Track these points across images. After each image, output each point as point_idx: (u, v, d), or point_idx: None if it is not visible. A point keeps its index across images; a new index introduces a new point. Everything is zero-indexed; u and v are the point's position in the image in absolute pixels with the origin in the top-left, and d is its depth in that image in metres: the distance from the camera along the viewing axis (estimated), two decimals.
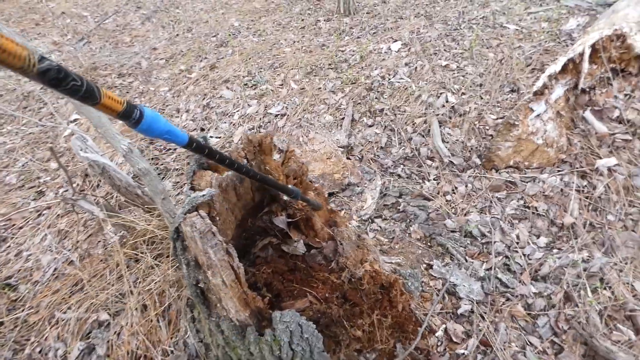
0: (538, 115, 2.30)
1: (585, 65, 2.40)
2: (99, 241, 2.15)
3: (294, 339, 1.24)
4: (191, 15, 5.37)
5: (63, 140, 3.04)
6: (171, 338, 1.64)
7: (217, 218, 1.29)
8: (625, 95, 2.46)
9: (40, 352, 1.75)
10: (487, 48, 3.59)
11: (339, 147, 2.71)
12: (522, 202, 2.16)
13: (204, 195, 1.05)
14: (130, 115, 0.66)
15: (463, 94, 3.01)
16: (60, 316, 1.82)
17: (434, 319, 1.64)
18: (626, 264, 1.79)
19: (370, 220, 2.19)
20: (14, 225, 2.43)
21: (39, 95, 3.73)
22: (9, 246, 2.32)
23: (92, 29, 5.06)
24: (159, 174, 2.71)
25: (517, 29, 3.84)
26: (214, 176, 1.27)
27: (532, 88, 2.42)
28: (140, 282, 1.83)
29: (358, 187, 2.42)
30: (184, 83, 3.91)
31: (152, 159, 2.87)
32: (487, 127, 2.65)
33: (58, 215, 2.38)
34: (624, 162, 2.20)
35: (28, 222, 2.41)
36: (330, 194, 2.40)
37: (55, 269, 2.06)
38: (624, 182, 2.11)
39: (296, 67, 3.84)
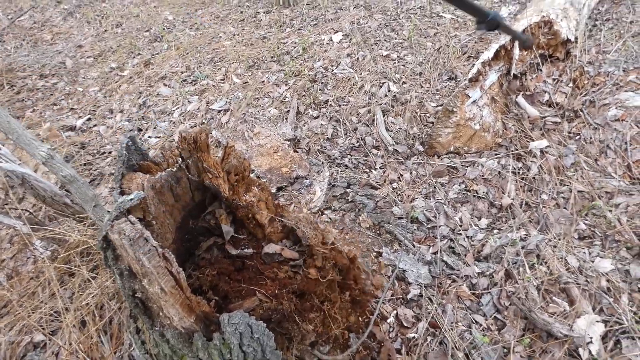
0: (474, 101, 2.40)
1: (516, 52, 2.53)
2: (28, 257, 1.96)
3: (244, 340, 1.20)
4: (119, 9, 5.04)
5: None
6: (115, 353, 1.53)
7: (154, 222, 1.21)
8: (554, 79, 2.63)
9: None
10: (425, 37, 3.69)
11: (285, 140, 2.67)
12: (463, 186, 2.25)
13: (131, 199, 0.97)
14: None
15: (404, 82, 3.08)
16: None
17: (385, 306, 1.66)
18: (559, 239, 1.90)
19: (320, 212, 2.18)
20: None
21: None
22: None
23: (5, 27, 4.58)
24: (93, 179, 2.52)
25: (452, 18, 3.98)
26: (145, 178, 1.19)
27: (468, 75, 2.52)
28: (76, 297, 1.68)
29: (306, 179, 2.41)
30: (117, 81, 3.66)
31: (85, 164, 2.66)
32: (428, 115, 2.73)
33: None
34: (555, 143, 2.35)
35: None
36: (279, 189, 2.36)
37: None
38: (555, 163, 2.25)
39: (237, 61, 3.73)
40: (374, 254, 1.90)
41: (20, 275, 1.90)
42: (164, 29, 4.50)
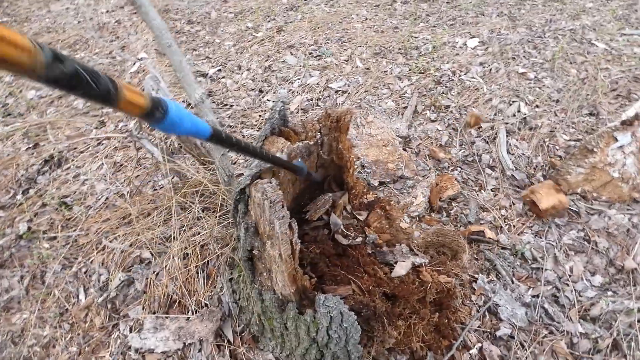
0: (621, 147, 2.12)
1: None
2: (150, 181, 2.20)
3: (333, 325, 1.22)
4: None
5: (129, 76, 3.09)
6: (207, 292, 1.66)
7: (278, 187, 1.27)
8: None
9: (85, 272, 1.83)
10: (571, 63, 3.33)
11: (397, 136, 2.62)
12: (582, 233, 2.03)
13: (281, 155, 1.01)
14: (154, 114, 0.58)
15: (537, 106, 2.82)
16: (107, 244, 1.89)
17: (470, 335, 1.58)
18: None
19: (418, 219, 2.12)
20: (75, 148, 2.52)
21: (112, 28, 3.80)
22: (68, 167, 2.41)
23: None
24: None
25: (606, 49, 3.53)
26: (286, 144, 1.24)
27: (620, 116, 2.22)
28: (185, 230, 1.86)
29: (410, 181, 2.34)
30: (249, 41, 3.87)
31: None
32: (557, 147, 2.48)
33: (115, 147, 2.45)
34: None
35: (88, 148, 2.50)
36: (381, 183, 2.33)
37: (107, 198, 2.14)
38: None
39: (364, 45, 3.71)
40: (467, 277, 1.80)
41: (141, 195, 2.15)
42: None
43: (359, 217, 1.51)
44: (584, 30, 3.86)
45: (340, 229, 1.46)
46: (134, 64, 3.24)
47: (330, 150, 1.37)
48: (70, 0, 4.60)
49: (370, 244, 1.47)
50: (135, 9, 1.19)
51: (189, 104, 2.58)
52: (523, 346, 1.56)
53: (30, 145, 2.61)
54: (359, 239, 1.39)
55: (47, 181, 2.41)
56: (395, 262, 1.43)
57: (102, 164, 2.35)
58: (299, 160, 1.32)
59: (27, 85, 3.19)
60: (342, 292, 1.34)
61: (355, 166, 1.58)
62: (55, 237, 2.01)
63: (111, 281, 1.74)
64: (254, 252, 1.18)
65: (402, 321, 1.39)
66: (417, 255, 1.47)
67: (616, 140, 2.12)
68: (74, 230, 2.01)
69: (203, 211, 1.86)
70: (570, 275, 1.86)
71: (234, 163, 2.45)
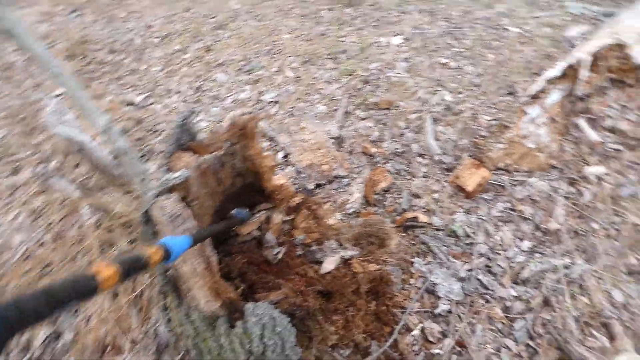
0: (532, 119, 2.27)
1: (584, 73, 2.36)
2: (74, 222, 2.09)
3: (266, 332, 1.20)
4: None
5: (45, 115, 2.95)
6: (142, 326, 1.59)
7: (194, 202, 1.25)
8: (621, 105, 2.44)
9: None
10: (488, 49, 3.55)
11: (329, 138, 2.67)
12: (508, 204, 2.14)
13: (176, 177, 1.00)
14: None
15: (460, 93, 2.97)
16: None
17: (412, 317, 1.61)
18: (606, 272, 1.78)
19: (355, 214, 2.15)
20: None
21: (22, 66, 3.63)
22: None
23: (86, 1, 4.92)
24: (143, 155, 2.64)
25: (519, 32, 3.80)
26: (193, 158, 1.22)
27: (530, 91, 2.38)
28: None
29: (345, 179, 2.39)
30: (178, 63, 3.82)
31: (138, 139, 2.80)
32: (480, 128, 2.61)
33: (34, 193, 2.30)
34: (613, 171, 2.19)
35: (1, 198, 2.33)
36: (317, 185, 2.36)
37: (26, 249, 2.00)
38: (611, 191, 2.10)
39: (294, 55, 3.77)
40: (405, 262, 1.85)
41: (64, 239, 2.03)
42: (228, 17, 4.63)
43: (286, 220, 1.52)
44: (498, 17, 4.13)
45: (271, 245, 1.45)
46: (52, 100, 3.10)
47: (242, 158, 1.37)
48: None
49: (299, 245, 1.48)
50: (8, 38, 1.14)
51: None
52: (461, 318, 1.61)
53: None
54: (281, 252, 1.39)
55: None
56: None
57: (19, 213, 2.20)
58: (237, 210, 1.40)
59: None
60: (275, 297, 1.33)
61: (276, 168, 1.59)
62: None
63: (34, 340, 1.61)
64: (170, 273, 1.15)
65: (339, 315, 1.40)
66: (347, 248, 1.49)
67: (526, 113, 2.27)
68: None
69: (132, 243, 1.78)
70: (501, 245, 1.95)
71: None
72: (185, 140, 1.30)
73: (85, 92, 1.35)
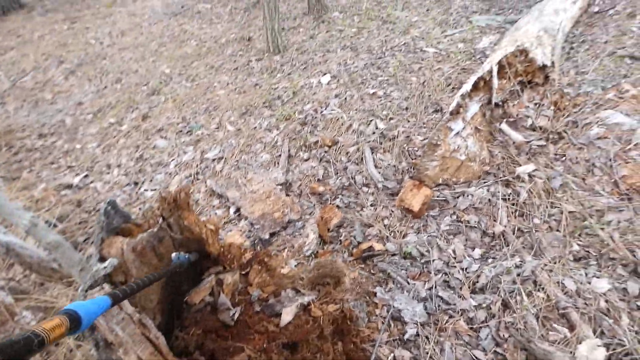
0: (457, 133, 2.43)
1: (495, 81, 2.60)
2: (12, 327, 1.94)
3: None
4: (120, 66, 5.27)
5: None
6: None
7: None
8: (536, 104, 2.68)
9: None
10: (410, 73, 3.80)
11: (277, 184, 2.70)
12: (454, 217, 2.24)
13: (105, 266, 0.98)
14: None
15: (391, 119, 3.14)
16: None
17: (382, 349, 1.62)
18: (555, 263, 1.88)
19: (313, 256, 2.17)
20: None
21: None
22: None
23: (7, 89, 4.80)
24: (87, 238, 2.54)
25: (436, 52, 4.11)
26: (125, 241, 1.20)
27: (449, 108, 2.57)
28: None
29: (299, 222, 2.41)
30: (115, 136, 3.77)
31: (80, 222, 2.70)
32: (415, 149, 2.76)
33: None
34: (542, 166, 2.36)
35: None
36: (272, 234, 2.36)
37: None
38: (543, 186, 2.25)
39: (231, 109, 3.84)
40: (368, 294, 1.87)
41: None
42: (161, 82, 4.67)
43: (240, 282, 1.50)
44: (414, 41, 4.46)
45: (227, 307, 1.43)
46: None
47: (180, 230, 1.36)
48: None
49: (256, 302, 1.46)
50: None
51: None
52: (429, 339, 1.63)
53: None
54: (237, 312, 1.37)
55: None
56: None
57: None
58: (175, 255, 1.33)
59: None
60: None
61: (228, 224, 1.58)
62: None
63: None
64: None
65: None
66: (304, 294, 1.49)
67: (451, 129, 2.43)
68: None
69: (78, 339, 1.68)
70: (455, 257, 2.02)
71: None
72: (118, 223, 1.28)
73: (1, 193, 1.31)
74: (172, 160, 3.32)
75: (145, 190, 3.02)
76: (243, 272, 1.54)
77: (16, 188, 3.01)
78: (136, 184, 3.12)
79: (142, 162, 3.37)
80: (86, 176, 3.23)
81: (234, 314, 1.38)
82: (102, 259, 1.18)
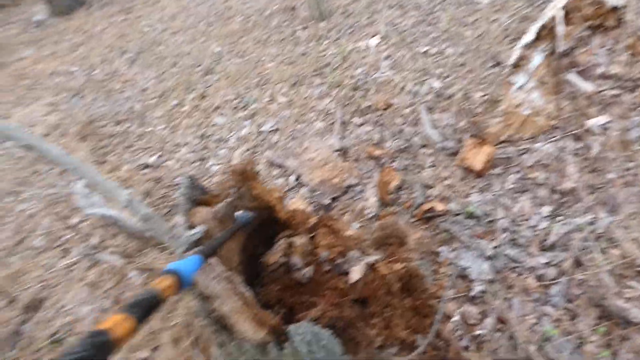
0: (520, 87, 2.31)
1: (561, 28, 2.39)
2: (126, 285, 2.26)
3: (313, 347, 1.30)
4: (174, 50, 5.51)
5: (76, 200, 3.18)
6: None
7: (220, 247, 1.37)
8: (607, 50, 2.44)
9: None
10: (464, 26, 3.60)
11: (333, 151, 2.77)
12: (520, 174, 2.18)
13: (195, 233, 1.12)
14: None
15: (446, 76, 3.03)
16: None
17: (449, 305, 1.68)
18: (632, 219, 1.78)
19: (374, 218, 2.24)
20: (49, 285, 2.57)
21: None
22: (48, 306, 2.46)
23: (83, 83, 5.25)
24: (169, 211, 2.81)
25: (491, 2, 3.83)
26: (207, 210, 1.35)
27: (510, 61, 2.43)
28: (167, 318, 1.92)
29: (358, 187, 2.48)
30: (178, 117, 4.02)
31: (161, 197, 2.98)
32: (475, 106, 2.67)
33: (87, 267, 2.51)
34: (616, 117, 2.19)
35: (61, 280, 2.55)
36: (333, 199, 2.46)
37: (94, 318, 2.19)
38: (619, 138, 2.10)
39: (281, 81, 3.91)
40: (432, 253, 1.92)
41: (123, 302, 2.20)
42: (213, 61, 4.84)
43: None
44: None
45: (299, 267, 1.56)
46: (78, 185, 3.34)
47: (250, 199, 1.49)
48: None
49: (325, 262, 1.58)
50: (30, 151, 1.30)
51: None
52: (496, 296, 1.66)
53: (7, 301, 2.64)
54: (309, 272, 1.49)
55: (33, 327, 2.43)
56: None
57: (79, 288, 2.40)
58: (240, 212, 1.46)
59: None
60: (314, 315, 1.43)
61: (287, 201, 1.69)
62: None
63: None
64: (214, 314, 1.27)
65: (378, 318, 1.48)
66: (369, 254, 1.58)
67: (512, 84, 2.32)
68: None
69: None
70: (522, 215, 1.99)
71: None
72: (197, 195, 1.43)
73: (102, 175, 1.51)
74: (231, 136, 3.49)
75: (211, 165, 3.23)
76: (310, 236, 1.65)
77: (105, 170, 3.37)
78: (202, 160, 3.34)
79: (205, 140, 3.58)
80: (160, 156, 3.52)
81: (306, 273, 1.50)
82: (190, 227, 1.33)
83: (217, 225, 1.36)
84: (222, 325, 1.37)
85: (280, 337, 1.36)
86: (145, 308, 0.69)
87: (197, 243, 1.19)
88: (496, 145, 2.36)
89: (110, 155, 3.70)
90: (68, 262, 2.70)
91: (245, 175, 1.41)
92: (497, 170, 2.25)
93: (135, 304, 0.68)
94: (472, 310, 1.65)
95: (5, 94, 5.71)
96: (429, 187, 2.30)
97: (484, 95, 2.74)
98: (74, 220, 3.02)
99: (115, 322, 0.62)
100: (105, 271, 2.44)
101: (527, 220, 1.96)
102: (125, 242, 2.39)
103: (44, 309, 2.51)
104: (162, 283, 0.79)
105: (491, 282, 1.74)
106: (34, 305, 2.57)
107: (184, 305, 1.89)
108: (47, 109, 4.88)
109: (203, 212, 1.34)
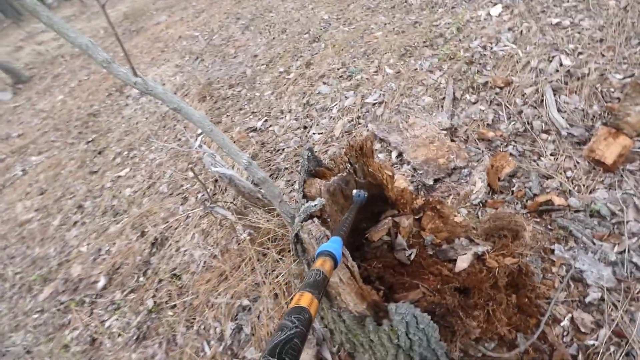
0: None
1: None
2: (233, 238, 2.52)
3: (410, 329, 1.33)
4: (284, 17, 5.66)
5: (195, 152, 3.57)
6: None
7: (329, 219, 1.44)
8: None
9: (204, 328, 2.17)
10: None
11: (441, 129, 2.66)
12: None
13: (315, 205, 1.19)
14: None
15: (580, 53, 2.66)
16: (214, 301, 2.22)
17: (558, 308, 1.56)
18: None
19: (481, 205, 2.13)
20: (171, 227, 2.99)
21: (172, 115, 4.42)
22: (170, 244, 2.87)
23: (203, 47, 5.71)
24: (272, 174, 3.01)
25: None
26: (322, 183, 1.41)
27: None
28: (269, 273, 2.11)
29: (465, 170, 2.36)
30: (284, 84, 4.19)
31: (265, 161, 3.19)
32: (612, 90, 2.32)
33: (200, 217, 2.85)
34: None
35: (180, 223, 2.94)
36: (436, 180, 2.39)
37: (204, 262, 2.51)
38: None
39: (389, 51, 3.80)
40: (544, 250, 1.78)
41: (229, 252, 2.47)
42: (320, 28, 4.88)
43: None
44: None
45: (403, 248, 1.57)
46: (197, 139, 3.73)
47: (364, 175, 1.51)
48: (136, 101, 5.40)
49: (429, 246, 1.56)
50: (177, 113, 1.48)
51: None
52: (616, 306, 1.50)
53: (139, 234, 3.13)
54: (413, 253, 1.49)
55: (158, 260, 2.87)
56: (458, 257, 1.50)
57: (194, 234, 2.75)
58: (356, 191, 1.51)
59: (123, 185, 3.83)
60: (413, 297, 1.45)
61: (395, 180, 1.67)
62: (175, 305, 2.40)
63: (225, 331, 2.04)
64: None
65: (479, 310, 1.44)
66: (478, 244, 1.52)
67: None
68: (187, 296, 2.38)
69: (279, 253, 2.10)
70: None
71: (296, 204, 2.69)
72: (313, 166, 1.50)
73: (228, 140, 1.66)
74: (334, 105, 3.54)
75: (313, 133, 3.33)
76: (416, 217, 1.64)
77: (221, 130, 3.72)
78: (305, 127, 3.46)
79: (309, 108, 3.69)
80: (265, 121, 3.74)
81: (409, 254, 1.51)
82: (305, 197, 1.42)
83: (329, 197, 1.42)
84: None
85: (378, 313, 1.41)
86: (321, 288, 0.79)
87: (311, 214, 1.27)
88: (635, 137, 2.05)
89: (224, 117, 4.03)
90: (186, 208, 3.09)
91: (362, 152, 1.44)
92: (633, 166, 1.97)
93: (315, 285, 0.78)
94: (586, 317, 1.51)
95: (144, 55, 6.49)
96: (548, 177, 2.10)
97: (625, 78, 2.35)
98: (192, 173, 3.41)
99: (309, 300, 0.72)
100: (216, 222, 2.74)
101: None
102: (235, 199, 2.64)
103: (166, 247, 2.93)
104: (326, 265, 0.89)
105: (611, 290, 1.57)
106: (160, 242, 3.01)
107: (285, 266, 2.05)
108: (174, 70, 5.44)
109: (317, 185, 1.40)
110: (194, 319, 2.28)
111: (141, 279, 2.80)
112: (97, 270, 3.03)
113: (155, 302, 2.54)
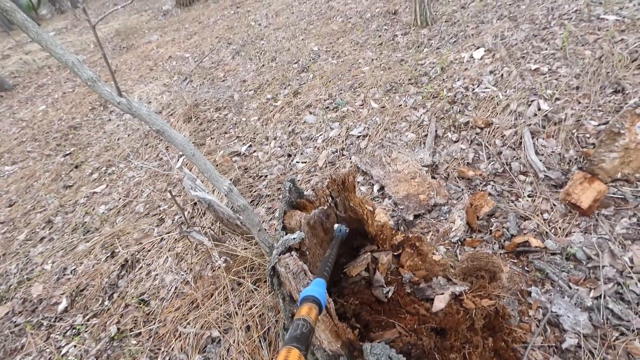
0: None
1: None
2: (208, 264, 2.44)
3: None
4: (274, 45, 5.77)
5: (175, 173, 3.51)
6: (272, 358, 1.80)
7: (307, 253, 1.41)
8: None
9: None
10: (583, 45, 3.26)
11: (423, 166, 2.70)
12: (634, 219, 1.93)
13: (294, 238, 1.17)
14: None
15: (557, 99, 2.78)
16: (182, 330, 2.12)
17: (535, 353, 1.55)
18: None
19: (459, 243, 2.14)
20: (144, 248, 2.88)
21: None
22: (141, 267, 2.76)
23: (193, 69, 5.74)
24: (252, 200, 2.97)
25: (617, 19, 3.42)
26: (302, 215, 1.39)
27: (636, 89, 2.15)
28: (243, 304, 2.04)
29: (445, 207, 2.38)
30: (271, 111, 4.21)
31: (247, 186, 3.16)
32: (587, 135, 2.41)
33: (175, 240, 2.77)
34: None
35: (154, 246, 2.84)
36: (416, 216, 2.40)
37: (175, 288, 2.41)
38: None
39: (375, 86, 3.90)
40: (520, 293, 1.78)
41: (202, 279, 2.39)
42: (310, 59, 4.98)
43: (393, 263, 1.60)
44: (589, 7, 3.77)
45: (381, 285, 1.55)
46: (178, 160, 3.68)
47: (345, 209, 1.50)
48: (119, 117, 5.33)
49: (407, 283, 1.54)
50: (159, 135, 1.45)
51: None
52: (593, 354, 1.49)
53: (109, 255, 3.01)
54: (390, 291, 1.47)
55: (126, 283, 2.74)
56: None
57: (167, 257, 2.66)
58: (337, 226, 1.49)
59: (98, 202, 3.71)
60: (389, 337, 1.41)
61: (375, 215, 1.67)
62: (140, 333, 2.28)
63: None
64: (291, 315, 1.31)
65: (455, 353, 1.41)
66: (456, 284, 1.51)
67: None
68: (154, 324, 2.26)
69: (255, 283, 2.03)
70: (632, 267, 1.76)
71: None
72: (294, 198, 1.48)
73: (210, 165, 1.63)
74: (319, 135, 3.57)
75: (297, 162, 3.34)
76: (395, 254, 1.63)
77: (203, 153, 3.68)
78: (289, 155, 3.46)
79: (294, 136, 3.71)
80: (250, 146, 3.73)
81: (387, 292, 1.49)
82: (284, 228, 1.39)
83: (309, 230, 1.40)
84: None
85: (353, 352, 1.37)
86: (308, 343, 0.77)
87: (290, 247, 1.24)
88: (609, 182, 2.12)
89: (208, 139, 4.00)
90: (162, 230, 3.00)
91: (344, 186, 1.43)
92: (608, 211, 2.02)
93: (302, 339, 0.76)
94: None
95: (132, 72, 6.47)
96: (525, 218, 2.14)
97: (600, 124, 2.46)
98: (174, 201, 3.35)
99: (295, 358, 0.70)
100: (191, 247, 2.66)
101: (637, 273, 1.73)
102: (212, 224, 2.59)
103: (136, 270, 2.82)
104: (312, 313, 0.87)
105: (588, 337, 1.57)
106: (130, 264, 2.89)
107: (260, 297, 1.98)
108: (162, 88, 5.43)
109: (297, 216, 1.38)
110: (159, 349, 2.16)
111: (106, 302, 2.66)
112: (59, 290, 2.88)
113: (118, 328, 2.41)
